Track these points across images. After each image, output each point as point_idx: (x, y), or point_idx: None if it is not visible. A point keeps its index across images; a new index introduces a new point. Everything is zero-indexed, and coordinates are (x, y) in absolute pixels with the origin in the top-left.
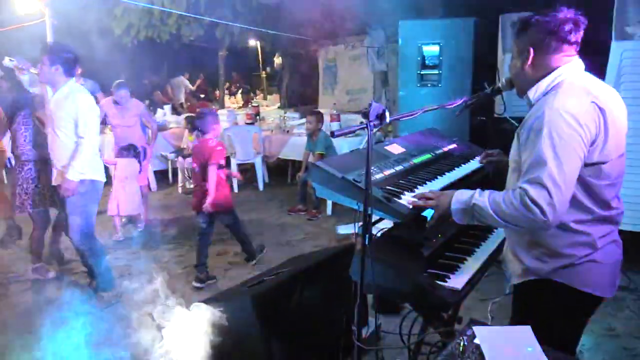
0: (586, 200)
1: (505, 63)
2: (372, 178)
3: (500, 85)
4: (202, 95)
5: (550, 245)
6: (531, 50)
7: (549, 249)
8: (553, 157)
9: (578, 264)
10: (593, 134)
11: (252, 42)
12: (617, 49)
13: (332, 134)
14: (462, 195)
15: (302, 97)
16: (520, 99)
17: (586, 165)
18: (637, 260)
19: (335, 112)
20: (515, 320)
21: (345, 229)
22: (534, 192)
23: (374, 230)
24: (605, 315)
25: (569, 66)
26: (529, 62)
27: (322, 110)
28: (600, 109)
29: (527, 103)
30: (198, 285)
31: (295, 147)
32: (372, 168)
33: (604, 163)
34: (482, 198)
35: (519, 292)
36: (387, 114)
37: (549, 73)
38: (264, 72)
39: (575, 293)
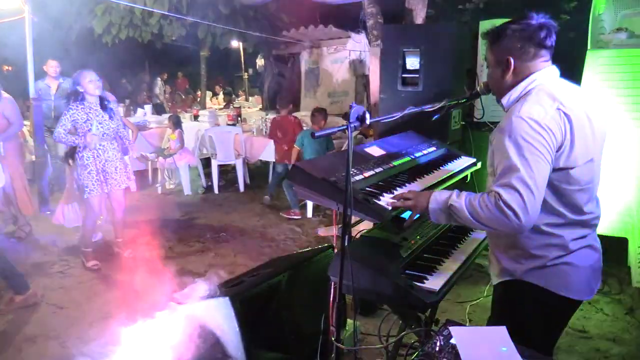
0: (557, 205)
1: (484, 68)
2: (352, 180)
3: (478, 89)
4: (184, 97)
5: (525, 247)
6: (510, 59)
7: (523, 250)
8: (521, 162)
9: (550, 265)
10: (559, 140)
11: (235, 43)
12: (592, 57)
13: (313, 135)
14: (439, 196)
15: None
16: (496, 104)
17: (554, 170)
18: (610, 264)
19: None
20: (493, 321)
21: (326, 231)
22: (506, 195)
23: (354, 232)
24: (579, 317)
25: (542, 73)
26: (510, 71)
27: (303, 113)
28: (566, 115)
29: (498, 100)
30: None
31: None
32: (352, 170)
33: (571, 168)
34: (459, 200)
35: (497, 293)
36: (367, 116)
37: (522, 79)
38: (246, 74)
39: (549, 295)
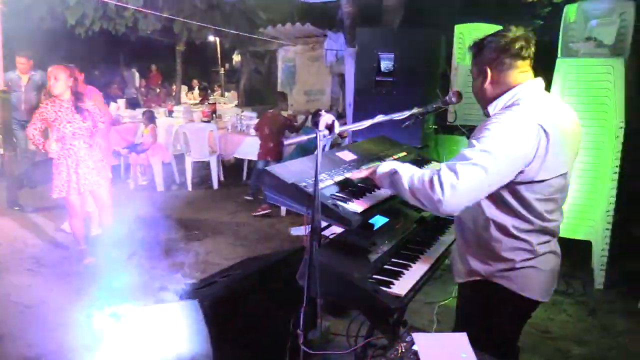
0: (523, 211)
1: (458, 72)
2: (322, 185)
3: (447, 99)
4: (158, 90)
5: (495, 249)
6: (487, 69)
7: (493, 252)
8: (477, 156)
9: (518, 268)
10: (529, 155)
11: (211, 38)
12: (562, 65)
13: (281, 144)
14: (393, 164)
15: (260, 96)
16: (469, 108)
17: (519, 183)
18: (574, 266)
19: (291, 112)
20: (458, 319)
21: (298, 231)
22: (444, 172)
23: (327, 233)
24: (543, 319)
25: (527, 85)
26: (488, 80)
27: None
28: (545, 132)
29: (484, 111)
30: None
31: (250, 147)
32: (323, 174)
33: (538, 182)
34: (405, 169)
35: (464, 292)
36: (336, 124)
37: (507, 90)
38: (222, 69)
39: (514, 296)
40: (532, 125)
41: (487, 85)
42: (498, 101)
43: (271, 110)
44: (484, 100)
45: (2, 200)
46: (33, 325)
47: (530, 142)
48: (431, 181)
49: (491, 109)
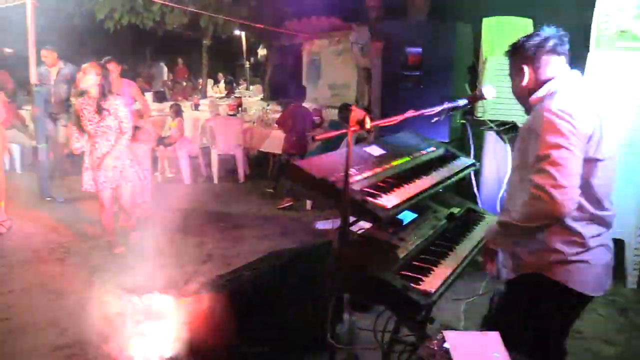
0: (581, 197)
1: (487, 65)
2: (351, 180)
3: (478, 94)
4: (185, 83)
5: (546, 241)
6: (525, 67)
7: (544, 244)
8: (553, 149)
9: (569, 261)
10: (589, 130)
11: (237, 32)
12: (595, 58)
13: (313, 139)
14: (491, 225)
15: (285, 90)
16: (497, 103)
17: (584, 160)
18: None
19: (317, 106)
20: (503, 318)
21: (323, 224)
22: (538, 178)
23: (355, 228)
24: None
25: (564, 75)
26: (526, 79)
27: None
28: (594, 110)
29: (526, 110)
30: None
31: (276, 140)
32: (352, 170)
33: (599, 160)
34: (502, 214)
35: (510, 288)
36: (367, 119)
37: (546, 81)
38: (247, 63)
39: (566, 290)
40: (583, 105)
41: (525, 83)
42: (538, 92)
43: (294, 104)
44: (525, 98)
45: (34, 191)
46: (64, 314)
47: (587, 121)
48: (532, 195)
49: (532, 98)
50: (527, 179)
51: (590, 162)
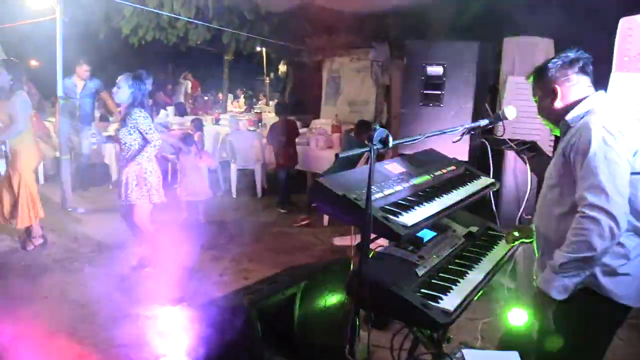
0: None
1: (507, 85)
2: (372, 197)
3: (500, 114)
4: (206, 98)
5: None
6: (556, 87)
7: None
8: (602, 166)
9: (615, 273)
10: (635, 144)
11: (258, 48)
12: (617, 79)
13: (336, 157)
14: (544, 275)
15: (305, 106)
16: (517, 122)
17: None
18: None
19: (336, 123)
20: (555, 334)
21: (341, 241)
22: (591, 197)
23: (373, 245)
24: None
25: (596, 96)
26: (558, 97)
27: (322, 121)
28: (637, 125)
29: (562, 128)
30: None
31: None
32: (373, 187)
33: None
34: (556, 255)
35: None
36: (390, 138)
37: (580, 100)
38: (267, 78)
39: (611, 303)
40: (625, 121)
41: (557, 102)
42: (574, 110)
43: (280, 119)
44: (556, 116)
45: (57, 201)
46: (87, 323)
47: (632, 135)
48: (586, 215)
49: (569, 117)
50: (572, 198)
51: (635, 176)
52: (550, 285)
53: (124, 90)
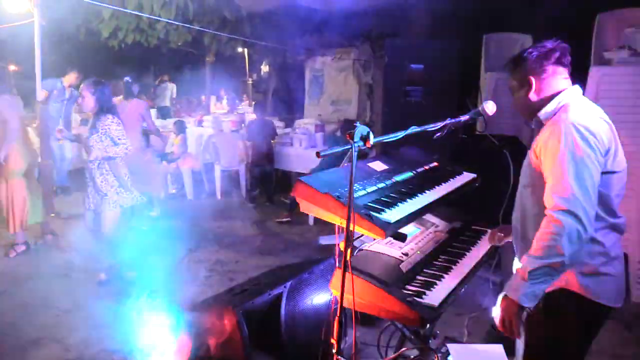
0: (599, 209)
1: (487, 81)
2: (355, 195)
3: (481, 110)
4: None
5: None
6: (531, 78)
7: None
8: (572, 166)
9: (594, 273)
10: (606, 144)
11: (240, 49)
12: (595, 74)
13: (318, 155)
14: (511, 282)
15: (288, 106)
16: (498, 117)
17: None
18: None
19: (319, 122)
20: (531, 331)
21: (327, 240)
22: (559, 199)
23: (358, 243)
24: None
25: (570, 90)
26: (532, 89)
27: (306, 121)
28: (608, 123)
29: (535, 124)
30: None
31: (279, 156)
32: (356, 185)
33: (615, 172)
34: (524, 261)
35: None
36: (371, 136)
37: (553, 96)
38: (250, 79)
39: (591, 303)
40: (597, 119)
41: (531, 94)
42: (547, 106)
43: (257, 118)
44: (531, 109)
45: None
46: (69, 330)
47: (604, 134)
48: (553, 218)
49: (541, 114)
50: (541, 198)
51: (607, 175)
52: (518, 293)
53: (88, 98)
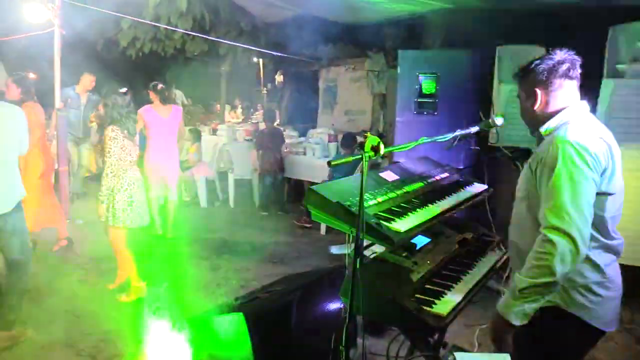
0: (593, 230)
1: (500, 93)
2: (366, 204)
3: (491, 121)
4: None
5: None
6: (537, 91)
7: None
8: (569, 185)
9: (587, 293)
10: (603, 165)
11: (255, 59)
12: (608, 86)
13: (329, 164)
14: (503, 299)
15: (302, 116)
16: (511, 129)
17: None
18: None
19: (333, 132)
20: (523, 346)
21: (338, 249)
22: (553, 219)
23: (367, 253)
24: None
25: (575, 107)
26: (538, 102)
27: (319, 130)
28: (607, 143)
29: (537, 137)
30: None
31: (292, 166)
32: (366, 194)
33: (609, 194)
34: (516, 279)
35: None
36: (381, 146)
37: (557, 111)
38: (264, 89)
39: (580, 324)
40: (596, 138)
41: (537, 107)
42: (550, 121)
43: (267, 126)
44: (535, 122)
45: None
46: (82, 334)
47: (601, 155)
48: (546, 239)
49: (543, 128)
50: (535, 212)
51: (601, 196)
52: (509, 311)
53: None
